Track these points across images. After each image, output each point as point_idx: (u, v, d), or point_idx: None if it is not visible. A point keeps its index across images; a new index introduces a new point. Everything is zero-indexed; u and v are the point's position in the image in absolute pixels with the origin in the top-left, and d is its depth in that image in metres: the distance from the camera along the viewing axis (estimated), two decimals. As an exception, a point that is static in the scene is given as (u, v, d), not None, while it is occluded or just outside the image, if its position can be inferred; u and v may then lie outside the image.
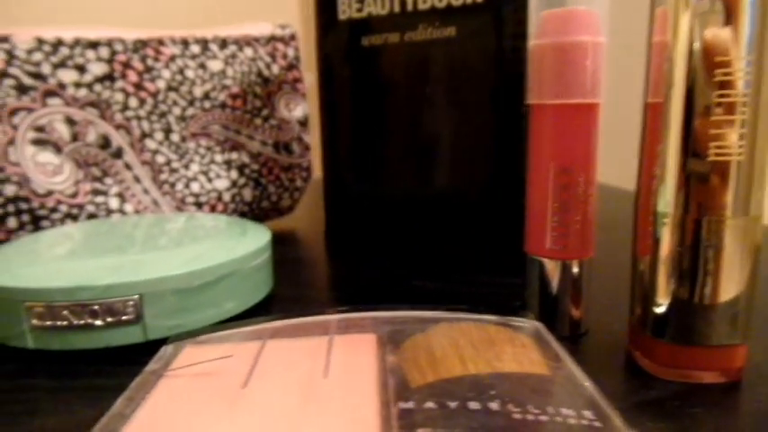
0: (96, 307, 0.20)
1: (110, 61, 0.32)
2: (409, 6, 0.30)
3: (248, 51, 0.37)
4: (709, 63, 0.16)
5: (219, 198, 0.36)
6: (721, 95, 0.16)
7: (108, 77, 0.32)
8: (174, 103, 0.34)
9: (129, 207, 0.33)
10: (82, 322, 0.20)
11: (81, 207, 0.31)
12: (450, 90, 0.30)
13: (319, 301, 0.27)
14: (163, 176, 0.34)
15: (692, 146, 0.16)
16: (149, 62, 0.33)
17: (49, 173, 0.30)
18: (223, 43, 0.36)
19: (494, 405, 0.13)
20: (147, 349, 0.19)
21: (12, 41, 0.29)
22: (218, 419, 0.14)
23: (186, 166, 0.35)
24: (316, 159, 0.41)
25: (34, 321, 0.20)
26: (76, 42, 0.31)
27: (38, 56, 0.30)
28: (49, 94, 0.30)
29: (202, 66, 0.35)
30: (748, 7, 0.15)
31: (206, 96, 0.35)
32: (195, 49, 0.35)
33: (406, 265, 0.31)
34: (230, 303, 0.23)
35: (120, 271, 0.21)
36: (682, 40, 0.16)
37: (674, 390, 0.17)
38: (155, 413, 0.14)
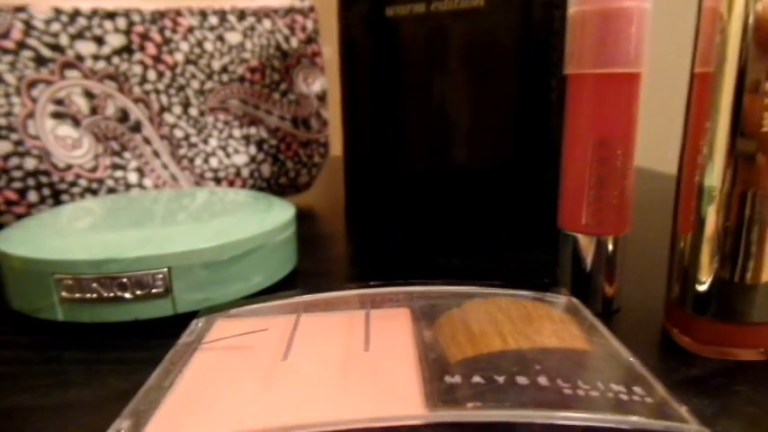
0: (125, 280, 0.20)
1: (127, 32, 0.31)
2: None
3: (267, 23, 0.36)
4: (761, 37, 0.15)
5: (238, 173, 0.36)
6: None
7: (126, 50, 0.31)
8: (193, 76, 0.34)
9: (148, 182, 0.32)
10: (111, 295, 0.20)
11: (101, 181, 0.31)
12: (476, 62, 0.30)
13: (344, 276, 0.27)
14: (181, 151, 0.34)
15: (741, 124, 0.16)
16: (167, 33, 0.33)
17: (69, 147, 0.30)
18: (241, 15, 0.35)
19: (542, 380, 0.13)
20: (176, 323, 0.19)
21: (29, 11, 0.29)
22: (261, 391, 0.13)
23: (205, 141, 0.35)
24: (332, 136, 0.40)
25: (64, 294, 0.19)
26: (94, 13, 0.31)
27: (56, 26, 0.29)
28: (68, 66, 0.30)
29: (221, 38, 0.34)
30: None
31: (224, 70, 0.35)
32: (213, 20, 0.34)
33: (429, 241, 0.31)
34: (258, 277, 0.22)
35: (149, 244, 0.21)
36: (737, 12, 0.15)
37: (714, 367, 0.17)
38: (195, 385, 0.14)
